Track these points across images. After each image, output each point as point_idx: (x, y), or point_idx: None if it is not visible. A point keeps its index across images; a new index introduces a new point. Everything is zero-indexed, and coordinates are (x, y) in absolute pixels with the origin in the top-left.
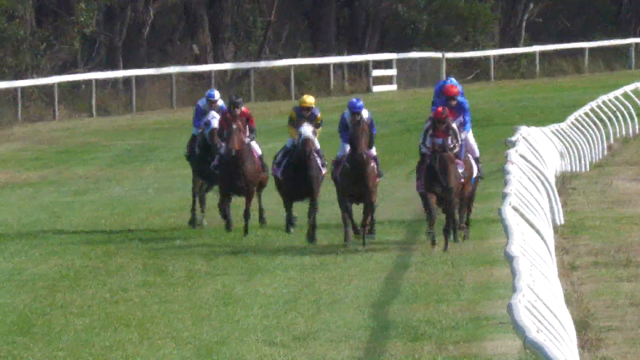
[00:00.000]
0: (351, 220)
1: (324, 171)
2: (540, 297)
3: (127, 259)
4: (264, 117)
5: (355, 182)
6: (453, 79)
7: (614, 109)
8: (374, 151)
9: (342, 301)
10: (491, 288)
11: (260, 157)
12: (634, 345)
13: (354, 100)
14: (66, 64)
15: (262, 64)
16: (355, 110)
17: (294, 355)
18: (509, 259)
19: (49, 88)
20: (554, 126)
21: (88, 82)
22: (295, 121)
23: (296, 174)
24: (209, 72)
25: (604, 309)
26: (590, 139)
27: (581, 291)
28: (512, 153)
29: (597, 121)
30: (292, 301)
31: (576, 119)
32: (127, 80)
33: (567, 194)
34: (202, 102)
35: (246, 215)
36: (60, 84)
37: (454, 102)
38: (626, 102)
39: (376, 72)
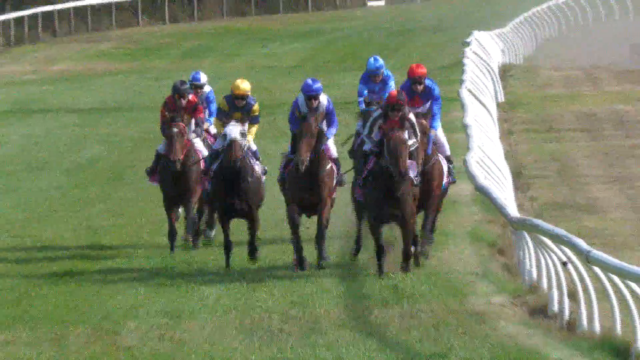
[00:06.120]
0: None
1: (264, 178)
2: (487, 154)
3: None
4: (289, 24)
5: (304, 189)
6: (379, 58)
7: (543, 16)
8: (334, 151)
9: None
10: (452, 148)
11: (206, 160)
12: (553, 187)
13: (310, 81)
14: None
15: None
16: (310, 94)
17: (307, 224)
18: (465, 126)
19: (134, 3)
20: (498, 30)
21: None
22: (226, 113)
23: (226, 185)
24: None
25: (533, 162)
26: (523, 39)
27: (516, 150)
28: (468, 51)
29: (530, 26)
30: None
31: (514, 25)
32: None
33: (507, 79)
34: None
35: (190, 226)
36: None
37: (420, 87)
38: (549, 13)
39: None
